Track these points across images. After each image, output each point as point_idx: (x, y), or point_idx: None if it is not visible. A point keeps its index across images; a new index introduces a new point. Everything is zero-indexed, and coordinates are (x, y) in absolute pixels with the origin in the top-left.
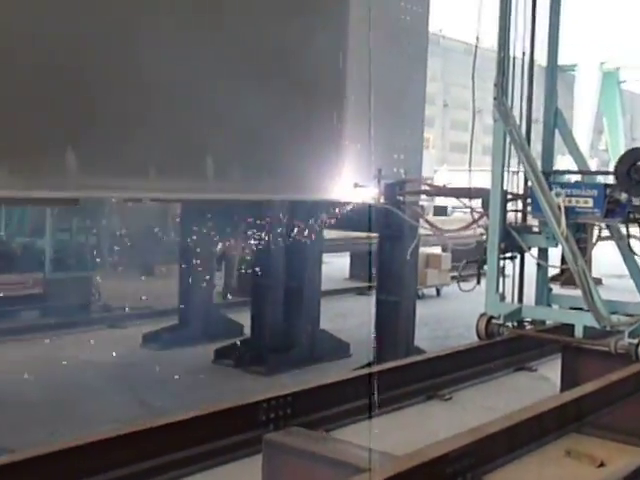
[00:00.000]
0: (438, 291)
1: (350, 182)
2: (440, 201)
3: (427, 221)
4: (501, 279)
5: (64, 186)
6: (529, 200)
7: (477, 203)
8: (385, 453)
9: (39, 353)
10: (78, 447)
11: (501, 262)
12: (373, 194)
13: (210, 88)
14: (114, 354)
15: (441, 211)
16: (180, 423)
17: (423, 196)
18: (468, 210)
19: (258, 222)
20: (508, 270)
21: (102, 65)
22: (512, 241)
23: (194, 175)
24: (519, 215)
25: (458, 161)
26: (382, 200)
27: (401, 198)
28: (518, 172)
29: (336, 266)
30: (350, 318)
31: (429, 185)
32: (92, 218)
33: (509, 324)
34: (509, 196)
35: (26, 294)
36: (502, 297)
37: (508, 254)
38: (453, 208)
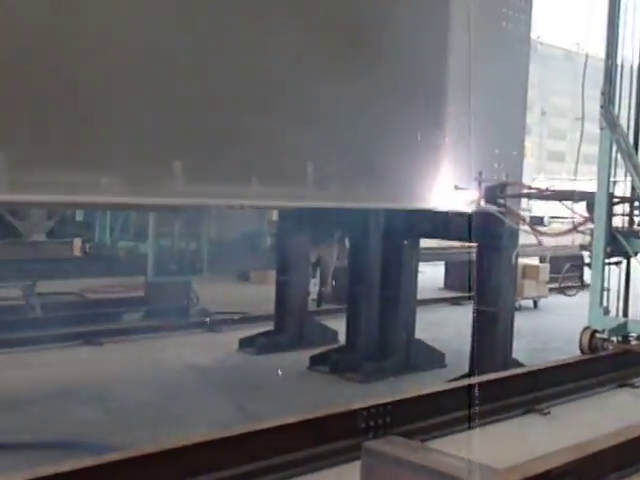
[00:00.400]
0: (535, 303)
1: (449, 186)
2: (537, 211)
3: (529, 225)
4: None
5: (171, 193)
6: (636, 203)
7: (578, 211)
8: (485, 466)
9: (141, 354)
10: (181, 448)
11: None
12: (473, 197)
13: (309, 92)
14: (212, 358)
15: (537, 221)
16: (280, 428)
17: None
18: (566, 220)
19: (354, 229)
20: (610, 283)
21: (204, 75)
22: (618, 246)
23: (294, 182)
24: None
25: (555, 170)
26: (482, 203)
27: (502, 201)
28: (622, 181)
29: (430, 275)
30: (445, 328)
31: (530, 188)
32: (192, 223)
33: (614, 338)
34: (615, 199)
35: (129, 297)
36: (606, 310)
37: (613, 259)
38: (550, 218)
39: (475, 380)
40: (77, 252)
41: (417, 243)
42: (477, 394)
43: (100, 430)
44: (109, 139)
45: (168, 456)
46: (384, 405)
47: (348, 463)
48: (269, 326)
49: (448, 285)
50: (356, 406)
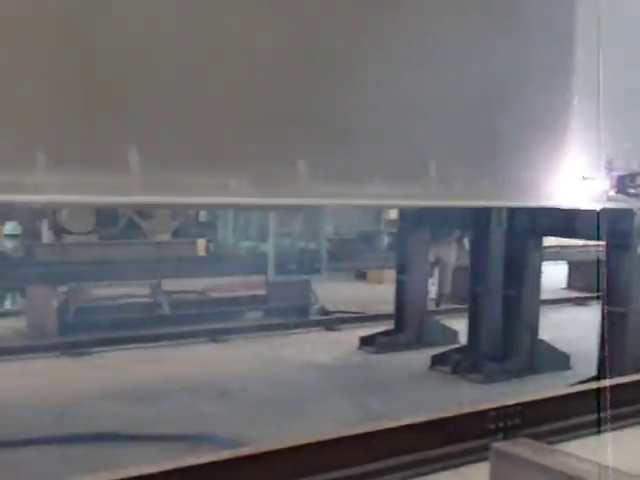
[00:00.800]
0: None
1: (576, 179)
2: None
3: None
4: None
5: (295, 193)
6: None
7: None
8: (616, 469)
9: (263, 352)
10: (306, 445)
11: None
12: (603, 188)
13: (433, 89)
14: (332, 356)
15: None
16: (408, 427)
17: None
18: None
19: (475, 227)
20: None
21: (330, 74)
22: None
23: (416, 181)
24: None
25: None
26: (612, 193)
27: (633, 191)
28: None
29: (552, 275)
30: (570, 329)
31: None
32: (311, 223)
33: None
34: None
35: (250, 295)
36: None
37: None
38: None
39: (605, 383)
40: (201, 252)
41: (540, 241)
42: (607, 397)
43: (226, 425)
44: (237, 140)
45: (294, 453)
46: (513, 406)
47: (475, 464)
48: (387, 325)
49: (571, 285)
50: (485, 407)
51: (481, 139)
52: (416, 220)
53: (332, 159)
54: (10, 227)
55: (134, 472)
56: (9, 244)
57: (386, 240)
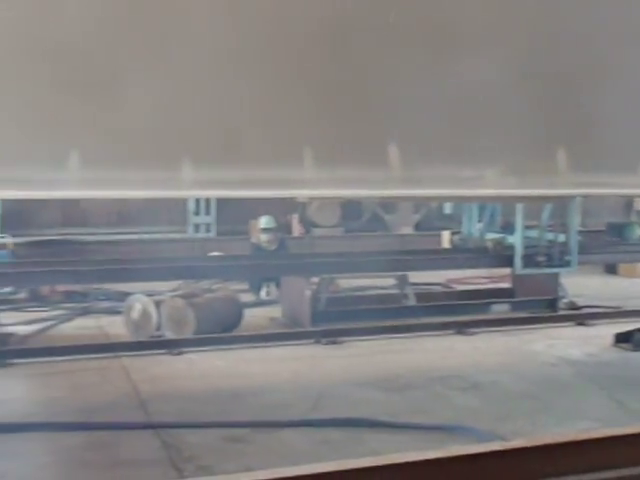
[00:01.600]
0: None
1: None
2: None
3: None
4: None
5: (553, 184)
6: None
7: None
8: None
9: (511, 345)
10: (573, 442)
11: None
12: None
13: None
14: (584, 352)
15: None
16: None
17: None
18: None
19: None
20: None
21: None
22: None
23: None
24: None
25: None
26: None
27: None
28: None
29: None
30: None
31: None
32: (559, 214)
33: None
34: None
35: (495, 288)
36: None
37: None
38: None
39: None
40: (445, 244)
41: None
42: None
43: (480, 417)
44: (493, 132)
45: (562, 449)
46: None
47: None
48: None
49: None
50: None
51: None
52: None
53: (590, 147)
54: (265, 221)
55: (398, 459)
56: (264, 237)
57: (639, 231)
